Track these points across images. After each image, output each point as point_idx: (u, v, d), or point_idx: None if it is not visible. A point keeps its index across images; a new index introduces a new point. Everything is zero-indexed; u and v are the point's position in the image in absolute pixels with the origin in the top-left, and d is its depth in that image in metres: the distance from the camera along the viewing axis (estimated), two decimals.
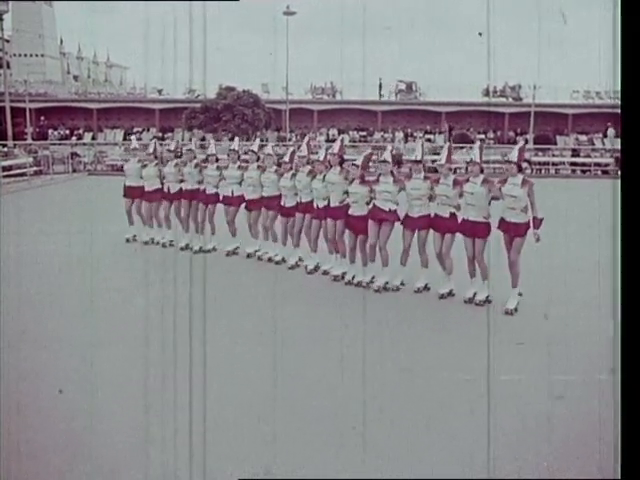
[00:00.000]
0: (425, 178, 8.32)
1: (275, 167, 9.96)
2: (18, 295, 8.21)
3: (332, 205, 8.87)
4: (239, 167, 10.41)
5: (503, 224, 7.70)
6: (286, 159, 9.92)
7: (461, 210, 7.96)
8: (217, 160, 10.78)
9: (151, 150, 11.45)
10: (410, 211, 8.31)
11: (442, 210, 8.10)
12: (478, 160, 7.92)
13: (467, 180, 7.94)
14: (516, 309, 7.44)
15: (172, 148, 11.27)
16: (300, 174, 9.56)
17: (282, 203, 9.73)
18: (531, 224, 7.56)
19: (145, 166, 11.27)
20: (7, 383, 5.31)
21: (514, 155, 7.80)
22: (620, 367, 3.01)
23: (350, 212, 8.68)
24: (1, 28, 34.93)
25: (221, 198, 10.51)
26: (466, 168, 8.28)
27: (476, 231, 7.79)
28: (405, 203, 8.37)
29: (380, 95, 42.26)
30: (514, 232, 7.60)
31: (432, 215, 8.21)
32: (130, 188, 11.45)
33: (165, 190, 10.97)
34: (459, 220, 8.00)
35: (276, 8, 34.14)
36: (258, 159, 10.34)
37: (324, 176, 9.02)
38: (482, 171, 7.96)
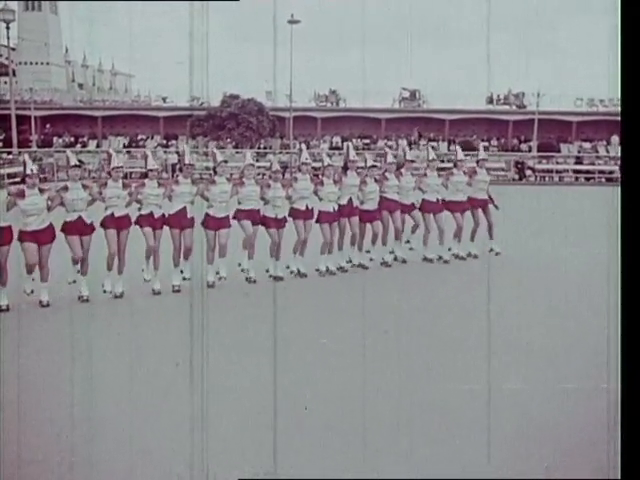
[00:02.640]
0: (412, 175, 10.76)
1: (253, 179, 9.56)
2: (23, 298, 8.28)
3: (355, 205, 10.10)
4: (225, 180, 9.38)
5: (477, 201, 11.06)
6: (276, 168, 9.81)
7: (449, 195, 10.94)
8: (146, 176, 9.21)
9: (32, 170, 8.41)
10: (405, 200, 10.60)
11: (432, 196, 10.79)
12: (463, 158, 11.19)
13: (452, 173, 10.99)
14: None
15: None
16: (304, 182, 9.67)
17: (274, 215, 9.50)
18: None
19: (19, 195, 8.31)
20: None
21: (484, 154, 11.77)
22: (620, 366, 3.05)
23: (366, 207, 10.22)
24: (7, 37, 35.11)
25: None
26: (454, 164, 11.23)
27: (464, 207, 10.97)
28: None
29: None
30: (486, 204, 11.04)
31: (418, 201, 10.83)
32: None
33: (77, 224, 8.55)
34: (441, 202, 10.86)
35: (280, 16, 34.21)
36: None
37: (333, 180, 9.97)
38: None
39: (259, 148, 36.34)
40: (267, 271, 9.62)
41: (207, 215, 9.31)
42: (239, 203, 9.47)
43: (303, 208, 9.71)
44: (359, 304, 8.17)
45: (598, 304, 6.72)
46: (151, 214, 9.03)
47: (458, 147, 12.70)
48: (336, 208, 9.90)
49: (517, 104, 41.81)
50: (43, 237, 8.34)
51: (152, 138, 40.99)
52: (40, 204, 8.34)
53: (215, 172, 9.48)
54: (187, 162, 9.52)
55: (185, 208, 9.12)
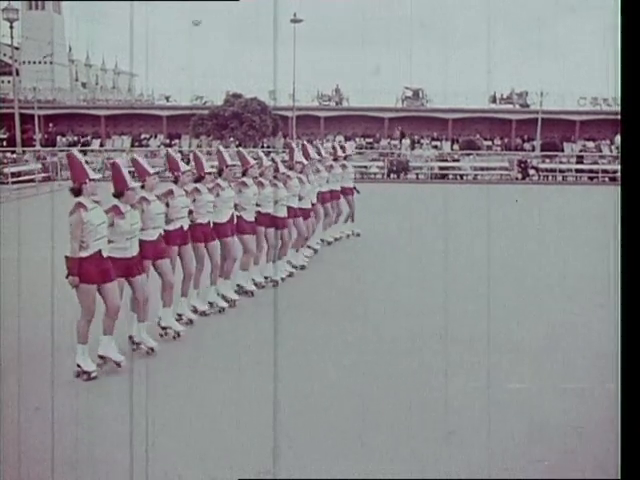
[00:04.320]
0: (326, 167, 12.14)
1: (269, 181, 9.22)
2: (19, 303, 8.21)
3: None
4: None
5: (348, 189, 12.85)
6: (283, 169, 9.59)
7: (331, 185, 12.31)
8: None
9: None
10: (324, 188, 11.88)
11: (335, 186, 12.32)
12: (342, 154, 13.01)
13: (332, 167, 12.34)
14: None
15: None
16: (296, 180, 9.92)
17: (284, 215, 9.41)
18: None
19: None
20: None
21: (351, 151, 13.96)
22: (620, 365, 3.06)
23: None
24: (11, 36, 35.20)
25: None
26: (335, 159, 12.79)
27: (339, 196, 12.60)
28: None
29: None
30: (352, 192, 12.98)
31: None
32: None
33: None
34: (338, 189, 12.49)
35: (284, 16, 34.25)
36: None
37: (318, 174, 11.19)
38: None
39: (262, 147, 36.36)
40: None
41: (241, 219, 8.57)
42: (257, 205, 8.94)
43: (296, 206, 9.81)
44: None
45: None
46: (208, 224, 7.88)
47: (348, 144, 14.96)
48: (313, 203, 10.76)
49: (520, 103, 41.77)
50: (139, 265, 6.55)
51: (155, 137, 41.07)
52: (139, 222, 6.58)
53: (244, 174, 8.86)
54: (229, 163, 8.42)
55: (233, 215, 8.36)
